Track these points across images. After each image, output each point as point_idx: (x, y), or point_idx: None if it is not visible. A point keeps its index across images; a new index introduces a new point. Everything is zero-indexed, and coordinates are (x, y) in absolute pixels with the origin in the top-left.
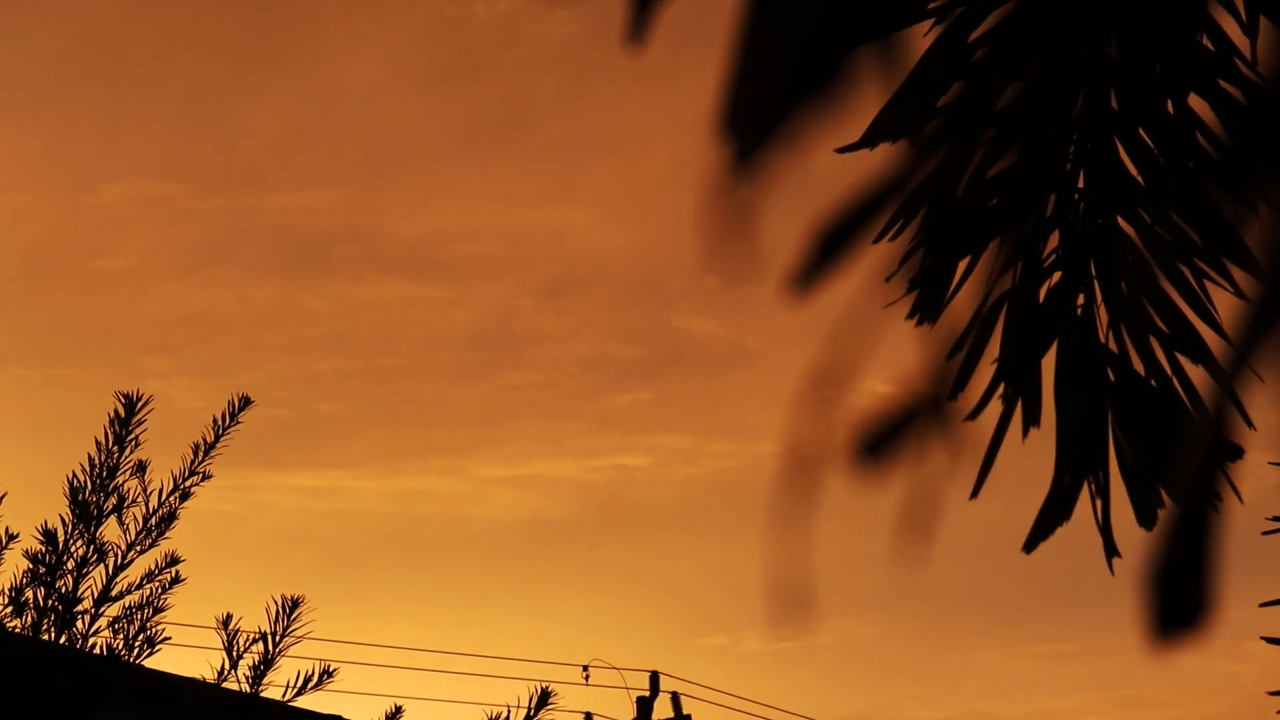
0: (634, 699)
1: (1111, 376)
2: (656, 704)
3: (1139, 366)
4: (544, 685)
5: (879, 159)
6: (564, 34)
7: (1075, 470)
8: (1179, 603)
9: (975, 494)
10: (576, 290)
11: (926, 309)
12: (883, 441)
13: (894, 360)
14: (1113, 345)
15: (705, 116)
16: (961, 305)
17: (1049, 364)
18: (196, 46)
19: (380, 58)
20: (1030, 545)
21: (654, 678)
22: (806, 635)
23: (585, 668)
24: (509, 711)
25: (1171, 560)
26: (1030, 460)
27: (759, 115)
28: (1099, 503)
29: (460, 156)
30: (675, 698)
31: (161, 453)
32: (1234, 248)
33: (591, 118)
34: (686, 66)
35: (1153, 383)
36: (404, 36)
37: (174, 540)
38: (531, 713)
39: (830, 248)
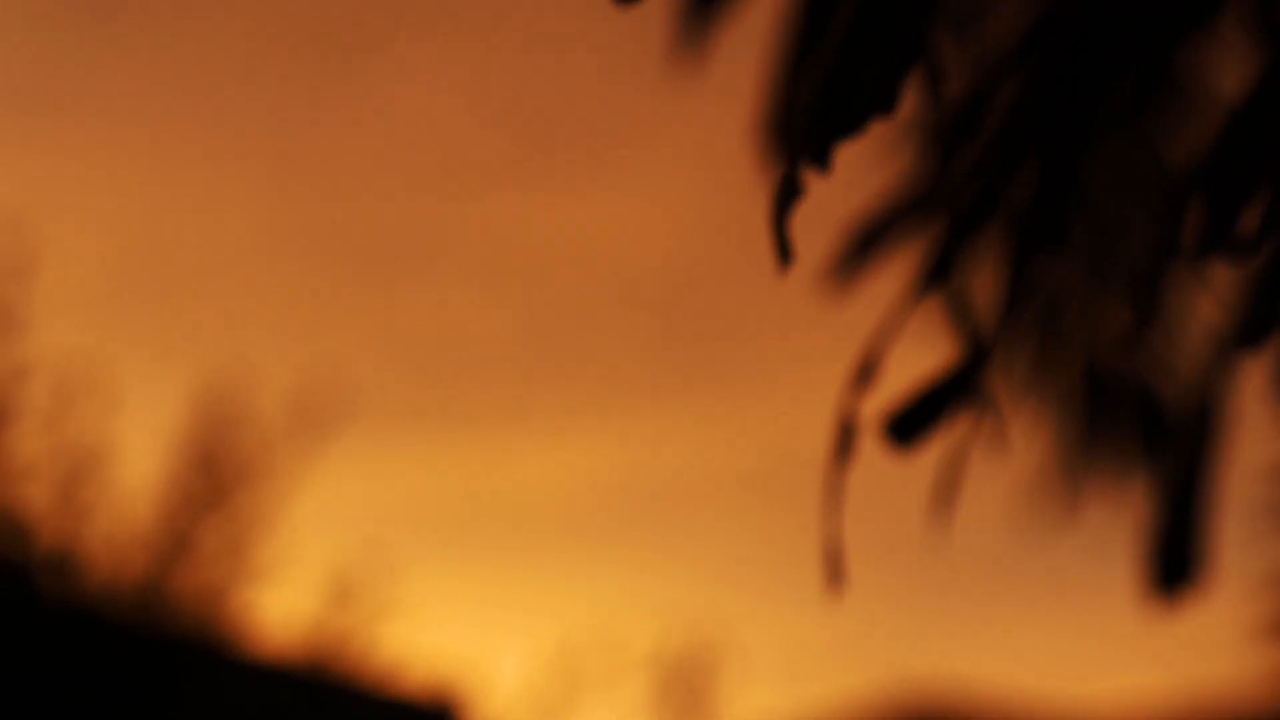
0: (698, 663)
1: (1124, 370)
2: (720, 670)
3: (1151, 357)
4: (615, 648)
5: (916, 166)
6: (619, 53)
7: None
8: (1173, 562)
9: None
10: (632, 290)
11: (955, 309)
12: (914, 419)
13: (924, 353)
14: (1128, 339)
15: (749, 127)
16: (988, 304)
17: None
18: (280, 56)
19: (448, 79)
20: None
21: (711, 646)
22: (838, 602)
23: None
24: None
25: (1166, 521)
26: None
27: (798, 127)
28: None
29: (521, 171)
30: (722, 667)
31: (264, 438)
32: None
33: (645, 133)
34: (738, 82)
35: (1164, 371)
36: (471, 60)
37: (274, 515)
38: (609, 677)
39: (864, 245)
